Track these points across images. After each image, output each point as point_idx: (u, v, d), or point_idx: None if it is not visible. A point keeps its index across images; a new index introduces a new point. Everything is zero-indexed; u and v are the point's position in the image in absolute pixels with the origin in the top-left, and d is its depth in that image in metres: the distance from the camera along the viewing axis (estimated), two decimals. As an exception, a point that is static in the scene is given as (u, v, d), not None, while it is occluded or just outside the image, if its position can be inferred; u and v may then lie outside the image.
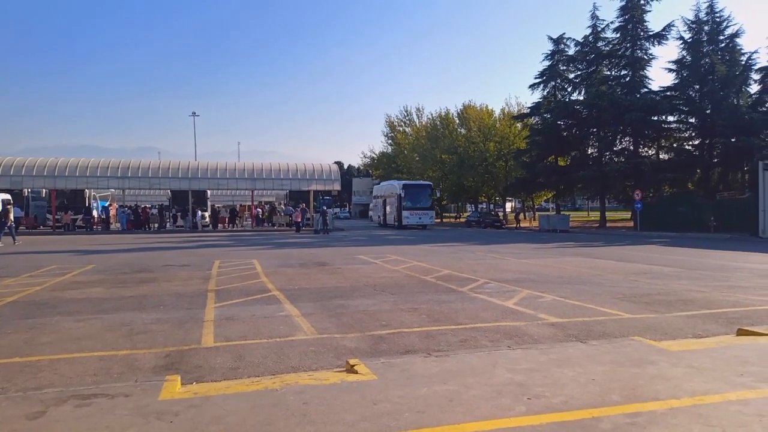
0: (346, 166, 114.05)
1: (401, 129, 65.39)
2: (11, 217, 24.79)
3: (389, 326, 7.25)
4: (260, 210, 43.38)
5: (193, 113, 63.31)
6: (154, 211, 42.46)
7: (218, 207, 45.03)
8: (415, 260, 16.10)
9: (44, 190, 39.01)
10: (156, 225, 38.59)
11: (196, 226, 37.76)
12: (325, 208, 37.98)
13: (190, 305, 8.92)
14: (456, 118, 57.65)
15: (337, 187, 40.95)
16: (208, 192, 45.43)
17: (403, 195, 40.08)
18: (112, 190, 41.68)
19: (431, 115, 62.92)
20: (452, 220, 63.74)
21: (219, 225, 39.86)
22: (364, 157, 77.98)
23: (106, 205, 41.03)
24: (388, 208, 44.05)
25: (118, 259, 17.09)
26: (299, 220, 36.23)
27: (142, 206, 41.70)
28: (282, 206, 46.77)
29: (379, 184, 51.94)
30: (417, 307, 8.66)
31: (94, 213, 39.18)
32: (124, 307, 8.83)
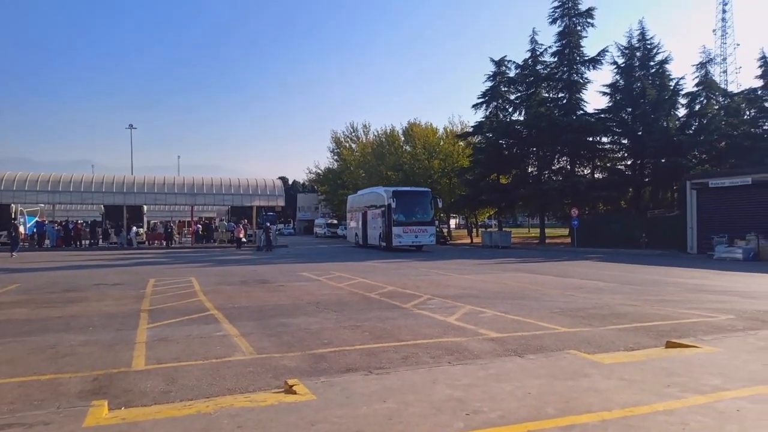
0: (290, 182, 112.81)
1: (347, 145, 65.50)
2: None
3: (331, 344, 7.15)
4: (200, 226, 42.17)
5: (130, 126, 61.30)
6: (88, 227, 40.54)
7: (155, 223, 43.46)
8: (360, 277, 16.04)
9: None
10: (88, 242, 36.84)
11: (131, 242, 36.27)
12: (268, 224, 37.37)
13: (121, 326, 8.51)
14: (401, 136, 58.33)
15: (281, 203, 40.36)
16: (144, 207, 43.81)
17: (393, 205, 30.59)
18: (42, 205, 39.52)
19: (377, 132, 63.39)
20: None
21: (156, 242, 38.46)
22: (310, 172, 77.49)
23: (37, 220, 38.84)
24: (370, 224, 34.72)
25: (45, 278, 16.17)
26: (241, 236, 35.46)
27: (74, 222, 39.73)
28: (223, 222, 45.28)
29: (355, 193, 42.62)
30: (360, 324, 8.59)
31: (21, 229, 37.00)
32: (50, 328, 8.33)
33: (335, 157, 67.18)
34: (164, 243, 38.44)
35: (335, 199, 66.46)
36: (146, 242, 38.76)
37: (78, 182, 35.65)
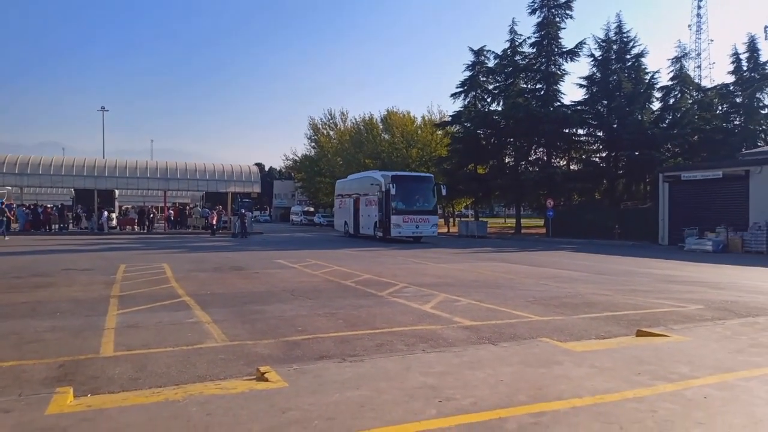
0: (267, 168, 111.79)
1: (325, 132, 64.96)
2: None
3: (305, 332, 7.10)
4: (173, 212, 41.48)
5: (102, 108, 60.01)
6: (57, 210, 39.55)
7: (127, 208, 42.63)
8: (336, 265, 15.97)
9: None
10: (57, 226, 35.98)
11: (102, 227, 35.50)
12: (243, 210, 36.93)
13: (89, 312, 8.31)
14: (380, 124, 58.10)
15: (257, 189, 39.98)
16: (116, 192, 42.93)
17: (392, 191, 27.53)
18: (9, 187, 38.46)
19: (355, 119, 63.03)
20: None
21: (128, 227, 37.76)
22: (286, 159, 76.58)
23: (4, 202, 37.78)
24: (363, 212, 32.02)
25: (11, 263, 15.74)
26: (215, 222, 35.01)
27: (43, 205, 38.73)
28: (197, 208, 44.56)
29: (345, 178, 39.41)
30: (335, 312, 8.55)
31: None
32: (14, 314, 8.10)
33: (313, 144, 66.59)
34: (136, 228, 37.77)
35: (312, 186, 66.05)
36: (118, 227, 38.00)
37: (47, 165, 34.76)
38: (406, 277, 13.01)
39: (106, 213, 36.76)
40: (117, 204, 44.35)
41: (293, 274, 13.64)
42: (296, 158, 71.64)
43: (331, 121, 65.40)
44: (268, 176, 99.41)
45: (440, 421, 3.74)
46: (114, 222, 37.39)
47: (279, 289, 11.00)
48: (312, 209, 69.41)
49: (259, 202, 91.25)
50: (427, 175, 32.46)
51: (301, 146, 76.41)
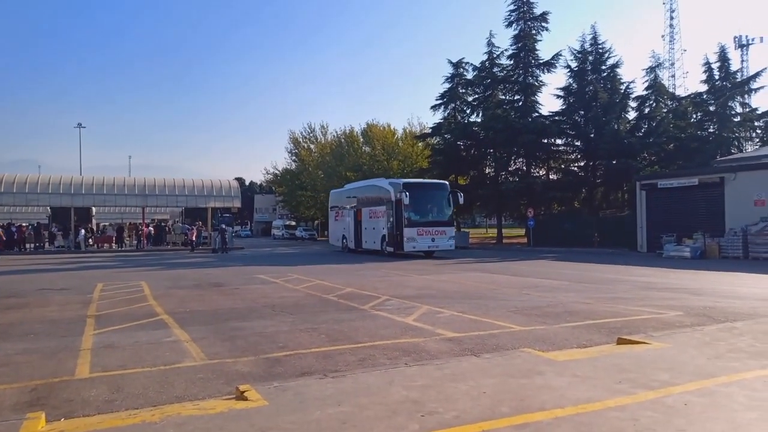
0: (248, 183, 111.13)
1: (306, 146, 64.93)
2: None
3: (286, 348, 7.00)
4: (152, 229, 40.93)
5: (79, 124, 59.11)
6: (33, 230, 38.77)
7: (104, 225, 41.97)
8: (318, 279, 15.86)
9: None
10: (33, 245, 35.25)
11: (78, 246, 34.89)
12: (223, 226, 36.60)
13: (65, 333, 8.11)
14: (360, 136, 58.27)
15: (238, 204, 39.63)
16: (93, 209, 42.26)
17: (406, 201, 24.69)
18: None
19: (336, 132, 63.14)
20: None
21: (105, 245, 37.14)
22: (267, 173, 76.45)
23: None
24: (367, 225, 28.93)
25: (-16, 284, 15.34)
26: (194, 238, 34.61)
27: (17, 225, 37.94)
28: (177, 224, 44.01)
29: (342, 188, 36.23)
30: (316, 326, 8.46)
31: None
32: (-15, 337, 7.86)
33: (293, 158, 66.57)
34: (114, 246, 37.18)
35: (293, 200, 65.86)
36: (95, 245, 37.37)
37: (22, 183, 34.09)
38: (388, 290, 12.96)
39: (82, 231, 36.19)
40: (94, 221, 43.64)
41: (274, 290, 13.50)
42: (277, 172, 71.53)
43: (311, 134, 65.49)
44: (248, 191, 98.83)
45: (423, 436, 3.70)
46: (91, 240, 36.77)
47: (260, 305, 10.87)
48: (294, 223, 69.10)
49: (240, 216, 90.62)
50: (442, 182, 29.82)
51: (281, 160, 76.17)
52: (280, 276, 16.91)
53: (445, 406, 4.29)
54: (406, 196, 24.55)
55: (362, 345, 7.13)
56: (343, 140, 59.15)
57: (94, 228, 40.55)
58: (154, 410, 4.44)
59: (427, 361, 6.05)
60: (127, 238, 39.56)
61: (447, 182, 30.07)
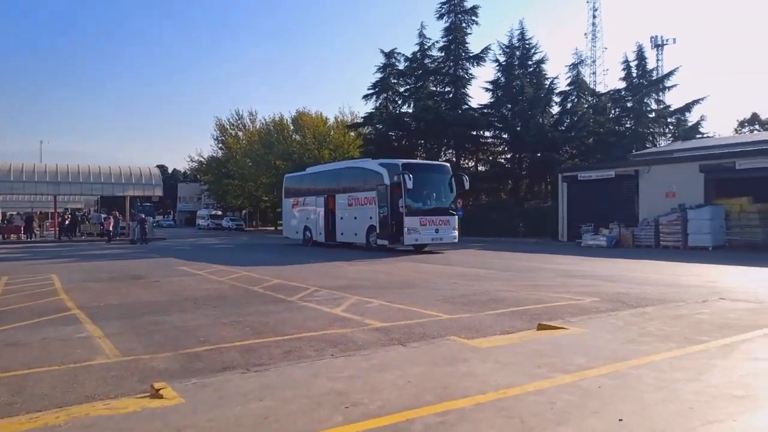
0: (170, 171, 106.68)
1: (233, 133, 62.96)
2: None
3: (207, 342, 6.74)
4: (68, 218, 38.52)
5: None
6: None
7: (11, 215, 39.06)
8: (244, 270, 15.45)
9: None
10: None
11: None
12: (143, 215, 34.94)
13: (-40, 331, 7.44)
14: (290, 124, 57.23)
15: (159, 192, 37.97)
16: (-1, 197, 39.29)
17: (408, 185, 20.61)
18: None
19: (265, 120, 61.68)
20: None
21: (12, 236, 34.59)
22: (191, 161, 73.32)
23: None
24: (345, 214, 24.71)
25: None
26: (111, 228, 32.86)
27: None
28: (92, 213, 41.62)
29: (303, 171, 31.43)
30: (241, 319, 8.21)
31: None
32: None
33: (220, 145, 64.33)
34: (22, 237, 34.67)
35: (220, 189, 63.84)
36: (1, 236, 34.73)
37: None
38: (317, 281, 12.82)
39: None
40: (0, 210, 40.53)
41: (197, 282, 13.03)
42: (202, 160, 68.89)
43: (239, 121, 63.50)
44: (171, 179, 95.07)
45: (347, 428, 3.64)
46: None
47: (182, 297, 10.44)
48: (220, 213, 67.12)
49: (163, 206, 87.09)
50: (443, 164, 26.30)
51: (207, 147, 73.45)
52: (203, 267, 16.35)
53: (370, 397, 4.26)
54: (410, 178, 20.49)
55: (288, 337, 6.99)
56: (272, 128, 57.86)
57: (0, 217, 37.55)
58: (60, 412, 4.12)
59: (354, 352, 6.00)
60: (37, 229, 36.93)
61: (447, 164, 26.19)
